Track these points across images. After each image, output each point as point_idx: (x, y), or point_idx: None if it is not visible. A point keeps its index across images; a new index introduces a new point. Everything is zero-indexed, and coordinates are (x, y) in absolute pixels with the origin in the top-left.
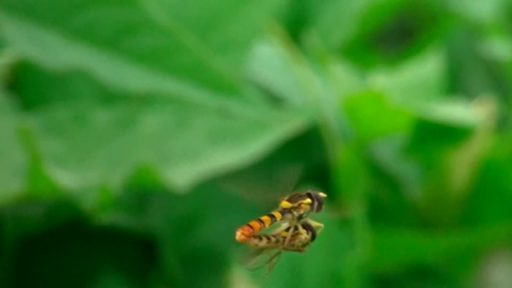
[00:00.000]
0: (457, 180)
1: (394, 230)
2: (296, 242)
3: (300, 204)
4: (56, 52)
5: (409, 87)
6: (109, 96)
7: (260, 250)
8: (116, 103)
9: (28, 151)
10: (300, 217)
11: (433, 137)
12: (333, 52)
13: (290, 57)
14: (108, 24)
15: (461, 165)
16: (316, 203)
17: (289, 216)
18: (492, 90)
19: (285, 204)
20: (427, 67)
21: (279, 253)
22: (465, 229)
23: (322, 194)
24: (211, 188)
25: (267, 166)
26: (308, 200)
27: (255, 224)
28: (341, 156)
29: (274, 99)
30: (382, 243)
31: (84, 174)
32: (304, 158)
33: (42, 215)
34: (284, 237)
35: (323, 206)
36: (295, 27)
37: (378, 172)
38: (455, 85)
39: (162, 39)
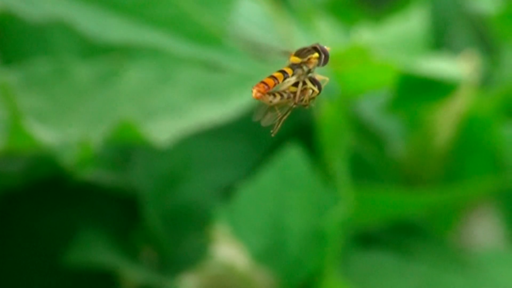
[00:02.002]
0: (441, 136)
1: (378, 187)
2: (305, 97)
3: (309, 59)
4: (37, 2)
5: (394, 42)
6: (91, 50)
7: (273, 107)
8: (98, 57)
9: (7, 107)
10: (308, 72)
11: (417, 92)
12: (318, 8)
13: (274, 13)
14: None
15: (444, 121)
16: (323, 56)
17: (299, 71)
18: (476, 45)
19: (294, 59)
20: (412, 22)
21: (291, 108)
22: (448, 185)
23: (327, 48)
24: (194, 144)
25: (251, 123)
26: (317, 55)
27: (269, 81)
28: (325, 112)
29: (258, 55)
30: (365, 199)
31: (65, 129)
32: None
33: (22, 171)
34: (294, 93)
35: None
36: None
37: (362, 129)
38: (439, 40)
39: None
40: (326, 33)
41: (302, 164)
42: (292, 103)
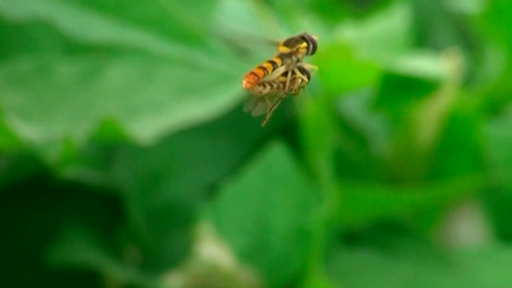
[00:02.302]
0: (424, 134)
1: (361, 185)
2: (295, 86)
3: (298, 49)
4: (19, 2)
5: (376, 40)
6: (73, 48)
7: (263, 97)
8: (80, 55)
9: None
10: (297, 61)
11: (400, 90)
12: (301, 6)
13: (257, 10)
14: None
15: (427, 119)
16: (311, 46)
17: (288, 61)
18: (458, 43)
19: (283, 49)
20: (394, 20)
21: (281, 98)
22: (431, 183)
23: (315, 36)
24: (178, 143)
25: (234, 121)
26: (305, 44)
27: (259, 71)
28: (308, 110)
29: (241, 52)
30: (349, 197)
31: (48, 127)
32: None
33: (5, 169)
34: (284, 82)
35: (317, 48)
36: None
37: (345, 127)
38: (422, 38)
39: None
40: (309, 31)
41: (286, 162)
42: (282, 93)
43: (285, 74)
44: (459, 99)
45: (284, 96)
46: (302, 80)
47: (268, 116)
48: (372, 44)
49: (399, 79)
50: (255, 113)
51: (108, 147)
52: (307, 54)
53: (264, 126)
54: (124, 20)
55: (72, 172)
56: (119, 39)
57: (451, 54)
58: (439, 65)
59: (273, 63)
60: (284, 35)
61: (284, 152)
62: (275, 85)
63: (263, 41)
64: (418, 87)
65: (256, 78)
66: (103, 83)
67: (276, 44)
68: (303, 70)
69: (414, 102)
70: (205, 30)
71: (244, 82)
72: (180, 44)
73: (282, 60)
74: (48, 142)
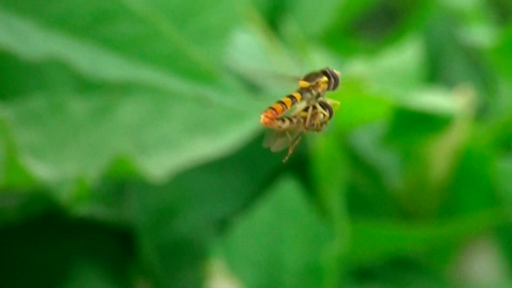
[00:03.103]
0: (437, 170)
1: (374, 221)
2: (316, 121)
3: (318, 83)
4: (32, 41)
5: (388, 74)
6: (85, 86)
7: (283, 132)
8: (92, 92)
9: (4, 142)
10: (318, 96)
11: (413, 125)
12: (312, 39)
13: (268, 45)
14: (85, 12)
15: (440, 154)
16: (333, 81)
17: (308, 95)
18: (471, 77)
19: (303, 84)
20: (406, 54)
21: (301, 133)
22: (445, 219)
23: (337, 72)
24: (189, 178)
25: (245, 156)
26: (325, 79)
27: (277, 106)
28: (320, 145)
29: (253, 88)
30: (362, 233)
31: (61, 165)
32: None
33: (18, 207)
34: (305, 118)
35: (339, 83)
36: (274, 15)
37: (357, 162)
38: (434, 72)
39: (139, 27)
40: (320, 65)
41: (298, 198)
42: (303, 128)
43: (306, 109)
44: (472, 134)
45: (305, 131)
46: (324, 115)
47: (290, 152)
48: (384, 78)
49: (412, 114)
50: (275, 148)
51: (119, 182)
52: (328, 89)
53: (285, 161)
54: (137, 58)
55: (84, 208)
56: (133, 77)
57: (463, 89)
58: (451, 101)
59: (292, 98)
60: (295, 69)
61: (295, 187)
62: (295, 120)
63: (283, 77)
64: (431, 122)
65: (274, 113)
66: (115, 120)
67: (296, 80)
68: (325, 105)
69: (427, 137)
70: (217, 66)
71: (262, 117)
72: (193, 81)
73: (302, 95)
74: (61, 180)
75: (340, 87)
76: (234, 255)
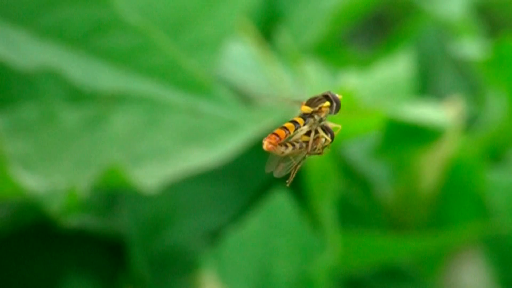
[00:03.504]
0: (427, 181)
1: (364, 232)
2: (318, 145)
3: (320, 108)
4: (26, 51)
5: (380, 87)
6: (77, 96)
7: (285, 157)
8: (84, 102)
9: None
10: (320, 121)
11: (403, 137)
12: (305, 50)
13: (261, 56)
14: (79, 23)
15: (430, 166)
16: (334, 105)
17: (310, 120)
18: (461, 89)
19: (305, 109)
20: (397, 67)
21: (304, 158)
22: (435, 230)
23: (339, 95)
24: (180, 189)
25: (237, 167)
26: (328, 103)
27: (280, 132)
28: (312, 156)
29: (246, 98)
30: (352, 244)
31: (52, 176)
32: None
33: (8, 217)
34: (307, 142)
35: (341, 107)
36: (267, 26)
37: (349, 173)
38: (425, 84)
39: (133, 38)
40: (313, 76)
41: (289, 209)
42: (305, 153)
43: (308, 133)
44: (461, 146)
45: (307, 155)
46: (326, 139)
47: (292, 176)
48: (376, 91)
49: (403, 126)
50: (277, 174)
51: (111, 193)
52: (330, 113)
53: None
54: (130, 69)
55: (75, 219)
56: (126, 88)
57: (453, 101)
58: (442, 113)
59: (295, 122)
60: (288, 80)
61: (287, 199)
62: (297, 145)
63: (287, 100)
64: (422, 135)
65: (277, 138)
66: (107, 130)
67: (299, 103)
68: (326, 129)
69: (417, 149)
70: (210, 77)
71: (265, 143)
72: (186, 92)
73: (305, 120)
74: (51, 191)
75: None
76: (225, 266)
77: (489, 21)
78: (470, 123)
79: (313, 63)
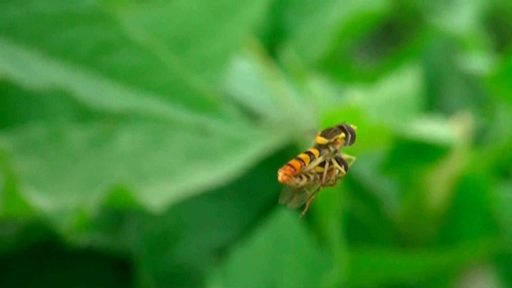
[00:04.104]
0: (435, 198)
1: (372, 249)
2: (332, 177)
3: (336, 139)
4: (34, 70)
5: (387, 103)
6: (84, 115)
7: (300, 189)
8: (91, 121)
9: (3, 171)
10: (335, 152)
11: (411, 154)
12: (310, 66)
13: (267, 72)
14: (87, 42)
15: (438, 182)
16: (350, 136)
17: (325, 152)
18: (470, 103)
19: (320, 140)
20: (405, 82)
21: (318, 189)
22: (443, 247)
23: (353, 127)
24: (187, 206)
25: (244, 185)
26: (343, 135)
27: (295, 163)
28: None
29: (252, 115)
30: (360, 261)
31: (60, 195)
32: None
33: (16, 236)
34: (321, 173)
35: (356, 138)
36: (272, 42)
37: (356, 190)
38: (433, 98)
39: (140, 57)
40: (319, 93)
41: (296, 226)
42: (319, 184)
43: (322, 164)
44: (470, 162)
45: (321, 187)
46: (340, 171)
47: (307, 207)
48: (383, 106)
49: (410, 143)
50: (292, 206)
51: (118, 211)
52: (345, 144)
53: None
54: (138, 87)
55: (82, 237)
56: (134, 107)
57: (462, 117)
58: (449, 129)
59: (310, 154)
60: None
61: (293, 216)
62: (312, 177)
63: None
64: (429, 152)
65: (292, 170)
66: (114, 149)
67: (314, 133)
68: (340, 161)
69: (425, 166)
70: (216, 95)
71: (280, 174)
72: (193, 111)
73: (320, 151)
74: (59, 210)
75: (355, 142)
76: (232, 284)
77: (497, 35)
78: (479, 138)
79: (318, 79)
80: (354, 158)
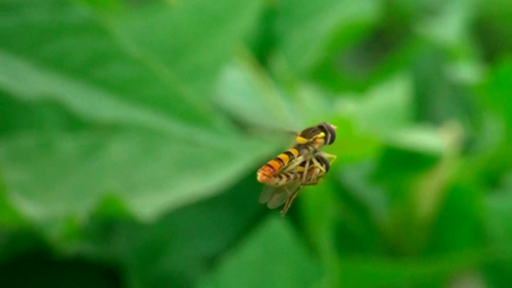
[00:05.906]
0: (424, 207)
1: (362, 258)
2: (313, 176)
3: (315, 139)
4: (27, 80)
5: (376, 112)
6: (75, 125)
7: (280, 188)
8: (82, 131)
9: None
10: (315, 151)
11: (400, 164)
12: (300, 75)
13: (258, 82)
14: (79, 53)
15: (427, 191)
16: (329, 136)
17: (305, 151)
18: (458, 113)
19: (300, 139)
20: (394, 92)
21: (298, 188)
22: (432, 256)
23: (333, 126)
24: (177, 215)
25: (234, 194)
26: (322, 134)
27: (274, 163)
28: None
29: (242, 124)
30: (350, 270)
31: (50, 204)
32: None
33: (6, 244)
34: (301, 173)
35: (336, 137)
36: (263, 51)
37: (345, 199)
38: (422, 108)
39: (132, 69)
40: (309, 102)
41: (286, 235)
42: (300, 183)
43: (302, 164)
44: (458, 171)
45: (302, 186)
46: (320, 170)
47: (287, 206)
48: (372, 116)
49: (399, 152)
50: (272, 205)
51: (108, 221)
52: (325, 143)
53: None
54: (130, 99)
55: (72, 246)
56: (125, 118)
57: (450, 127)
58: (438, 139)
59: (289, 154)
60: (284, 106)
61: (284, 225)
62: (292, 176)
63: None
64: (418, 161)
65: (272, 170)
66: (104, 159)
67: (294, 134)
68: (321, 160)
69: (414, 175)
70: (207, 106)
71: (259, 174)
72: (184, 122)
73: (299, 151)
74: (50, 219)
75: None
76: None
77: (485, 45)
78: (467, 147)
79: (309, 88)
80: (335, 156)
